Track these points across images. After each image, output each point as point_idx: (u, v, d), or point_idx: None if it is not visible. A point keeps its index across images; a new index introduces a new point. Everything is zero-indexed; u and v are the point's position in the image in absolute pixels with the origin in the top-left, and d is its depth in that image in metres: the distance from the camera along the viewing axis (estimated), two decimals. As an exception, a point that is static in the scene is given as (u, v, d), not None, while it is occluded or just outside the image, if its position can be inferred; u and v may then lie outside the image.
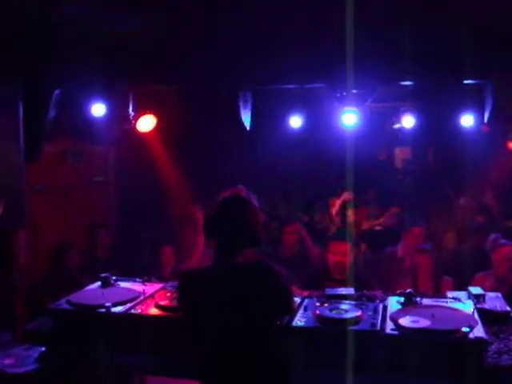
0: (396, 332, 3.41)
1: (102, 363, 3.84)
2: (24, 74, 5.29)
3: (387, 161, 13.61)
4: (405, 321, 3.48)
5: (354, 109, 6.12)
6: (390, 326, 3.46)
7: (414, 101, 6.56)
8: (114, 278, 4.40)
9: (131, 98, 6.21)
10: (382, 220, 8.94)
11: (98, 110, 5.98)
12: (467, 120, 6.38)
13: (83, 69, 5.31)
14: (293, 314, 3.62)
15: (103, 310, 3.81)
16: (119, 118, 6.38)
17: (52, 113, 5.65)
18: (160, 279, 4.84)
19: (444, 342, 3.33)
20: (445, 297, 4.03)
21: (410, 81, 5.60)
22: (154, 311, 3.82)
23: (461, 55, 4.81)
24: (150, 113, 6.31)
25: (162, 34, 5.14)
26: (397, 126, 8.96)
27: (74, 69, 5.33)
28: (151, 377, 4.33)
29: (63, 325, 3.94)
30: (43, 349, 3.92)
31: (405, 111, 6.83)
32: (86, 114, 6.05)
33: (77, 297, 4.07)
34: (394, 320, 3.50)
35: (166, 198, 8.65)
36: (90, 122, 6.18)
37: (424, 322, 3.45)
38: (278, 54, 5.15)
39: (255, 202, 3.27)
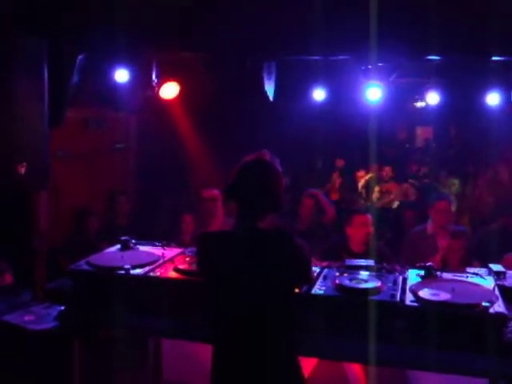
0: (416, 304, 3.39)
1: (119, 325, 3.88)
2: (49, 38, 5.27)
3: (407, 139, 13.55)
4: (425, 293, 3.45)
5: (379, 83, 6.07)
6: (409, 298, 3.43)
7: (439, 77, 6.49)
8: (133, 241, 4.41)
9: (155, 64, 6.20)
10: (392, 197, 8.94)
11: (122, 75, 5.98)
12: (493, 98, 6.32)
13: (108, 34, 5.27)
14: (310, 283, 3.60)
15: (122, 271, 3.82)
16: (142, 85, 6.37)
17: (75, 78, 5.63)
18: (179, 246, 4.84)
19: (464, 315, 3.31)
20: (465, 272, 4.00)
21: (436, 56, 5.53)
22: (172, 274, 3.83)
23: (488, 31, 4.72)
24: (174, 80, 6.29)
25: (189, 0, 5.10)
26: (419, 104, 8.91)
27: (99, 34, 5.29)
28: (166, 340, 4.35)
29: (82, 285, 3.96)
30: (62, 308, 3.95)
31: (429, 88, 6.76)
32: (109, 81, 6.05)
33: (96, 258, 4.09)
34: (414, 292, 3.48)
35: (187, 165, 8.65)
36: (113, 88, 6.17)
37: (444, 295, 3.43)
38: (304, 25, 5.09)
39: (278, 166, 3.25)
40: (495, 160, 9.27)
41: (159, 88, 6.25)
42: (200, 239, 3.28)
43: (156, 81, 6.21)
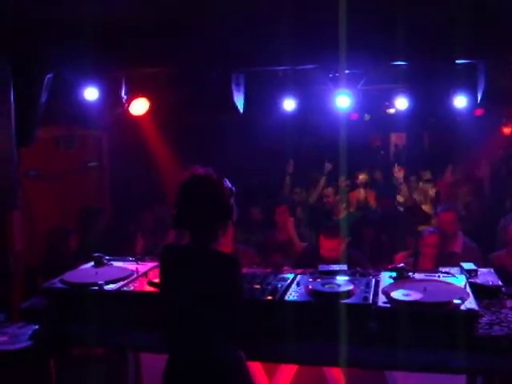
0: (388, 305, 3.42)
1: (95, 341, 3.86)
2: (14, 58, 5.25)
3: (381, 147, 13.61)
4: (397, 294, 3.49)
5: (347, 91, 6.11)
6: (382, 300, 3.47)
7: (407, 83, 6.55)
8: (107, 257, 4.41)
9: (123, 81, 6.19)
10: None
11: (91, 94, 5.96)
12: (460, 101, 6.37)
13: (75, 52, 5.27)
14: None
15: (96, 287, 3.81)
16: (112, 102, 6.35)
17: (44, 97, 5.61)
18: None
19: (436, 313, 3.35)
20: (437, 271, 4.04)
21: (402, 61, 5.58)
22: (146, 289, 3.83)
23: (452, 35, 4.78)
24: (143, 96, 6.28)
25: (152, 16, 5.10)
26: (391, 110, 8.97)
27: (66, 52, 5.28)
28: (146, 355, 4.33)
29: (57, 303, 3.95)
30: (37, 327, 3.91)
31: (398, 93, 6.80)
32: (79, 99, 6.03)
33: (70, 276, 4.08)
34: (386, 293, 3.51)
35: (161, 181, 8.61)
36: (83, 106, 6.15)
37: (416, 295, 3.47)
38: (271, 35, 5.11)
39: (227, 183, 3.35)
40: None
41: (129, 104, 6.24)
42: (162, 249, 3.50)
43: (125, 97, 6.20)
